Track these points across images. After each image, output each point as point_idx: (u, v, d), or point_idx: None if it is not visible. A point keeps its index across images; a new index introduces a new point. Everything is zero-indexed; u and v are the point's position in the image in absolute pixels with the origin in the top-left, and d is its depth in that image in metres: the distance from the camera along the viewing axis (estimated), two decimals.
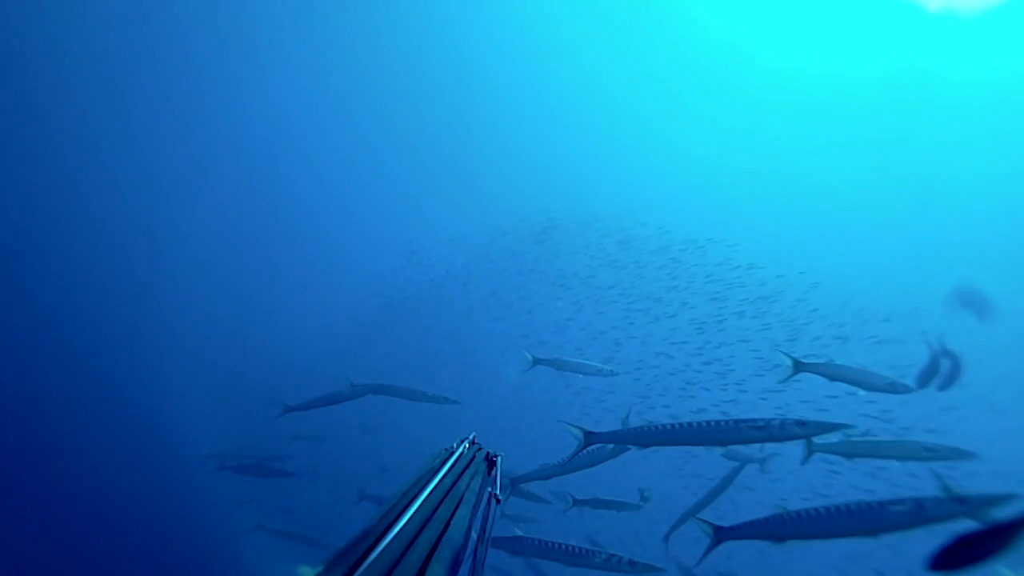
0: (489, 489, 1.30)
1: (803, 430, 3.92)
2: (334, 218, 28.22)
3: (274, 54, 25.42)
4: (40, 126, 21.12)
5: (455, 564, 0.85)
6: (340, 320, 19.93)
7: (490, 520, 1.22)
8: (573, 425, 4.38)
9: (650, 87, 27.40)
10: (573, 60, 27.10)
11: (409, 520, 0.87)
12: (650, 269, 15.47)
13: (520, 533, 4.76)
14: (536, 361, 7.93)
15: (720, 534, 3.88)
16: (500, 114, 28.73)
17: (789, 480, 11.09)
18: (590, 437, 4.34)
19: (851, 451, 5.07)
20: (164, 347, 18.49)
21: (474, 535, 1.07)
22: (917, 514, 3.25)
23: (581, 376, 9.09)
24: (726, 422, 4.07)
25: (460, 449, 1.35)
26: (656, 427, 4.20)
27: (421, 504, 0.94)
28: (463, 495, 1.06)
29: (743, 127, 26.89)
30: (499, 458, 1.46)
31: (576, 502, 7.26)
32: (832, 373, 5.77)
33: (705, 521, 3.93)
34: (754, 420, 4.01)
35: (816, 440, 4.62)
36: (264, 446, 11.94)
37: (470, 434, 1.50)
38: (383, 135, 29.00)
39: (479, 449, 1.46)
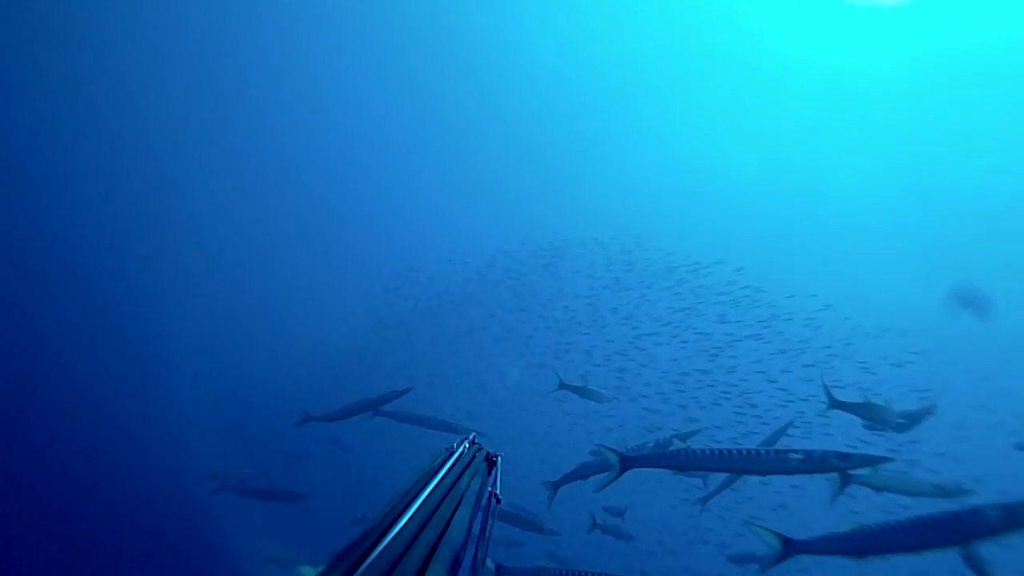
0: (489, 489, 1.31)
1: (844, 462, 3.93)
2: (330, 235, 28.35)
3: (272, 70, 25.85)
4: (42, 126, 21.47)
5: (455, 564, 0.85)
6: (335, 339, 19.91)
7: (490, 520, 1.23)
8: (609, 448, 4.41)
9: (650, 105, 27.82)
10: (571, 80, 27.58)
11: (409, 520, 0.88)
12: (655, 291, 15.52)
13: (546, 564, 4.76)
14: (562, 385, 8.11)
15: (790, 548, 3.72)
16: (500, 135, 29.11)
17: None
18: (626, 462, 4.33)
19: (863, 483, 5.09)
20: (157, 359, 18.49)
21: (474, 535, 1.07)
22: (1009, 519, 3.17)
23: (594, 403, 9.14)
24: (767, 451, 4.12)
25: (460, 449, 1.37)
26: (695, 452, 4.22)
27: (421, 504, 0.95)
28: (463, 495, 1.07)
29: (742, 145, 27.19)
30: (499, 458, 1.48)
31: (595, 525, 7.58)
32: (862, 413, 5.84)
33: (771, 531, 3.78)
34: (795, 450, 4.03)
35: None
36: (252, 462, 11.91)
37: (470, 434, 1.51)
38: (382, 154, 29.28)
39: (479, 449, 1.47)
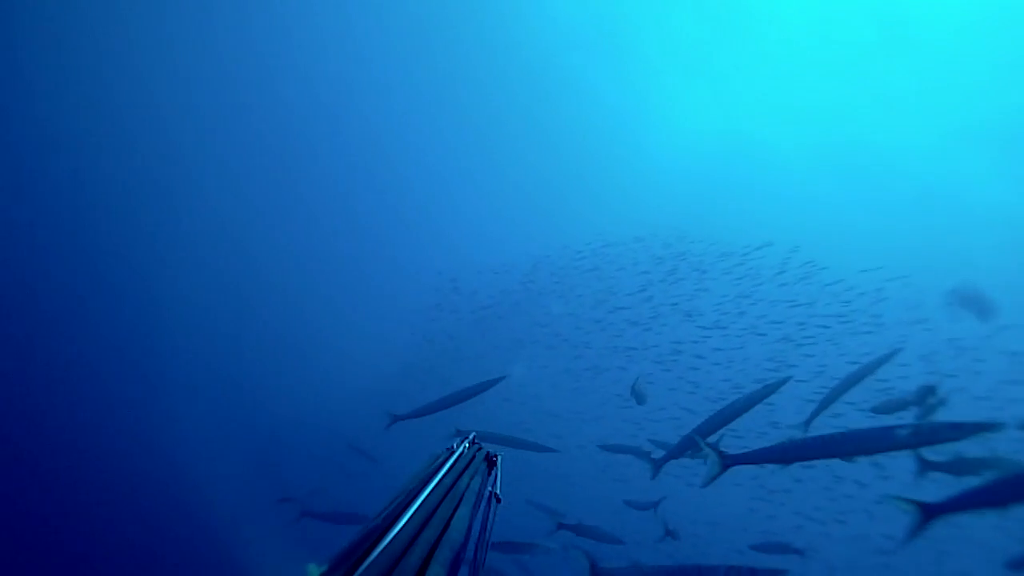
0: (490, 489, 1.33)
1: (957, 432, 3.82)
2: (367, 255, 28.74)
3: (307, 86, 26.37)
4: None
5: (455, 564, 0.88)
6: (381, 360, 20.25)
7: (490, 520, 1.25)
8: (710, 446, 4.50)
9: (668, 94, 27.09)
10: (593, 77, 27.28)
11: (409, 520, 0.91)
12: (711, 281, 15.00)
13: (635, 560, 4.96)
14: (632, 391, 8.25)
15: (930, 511, 3.78)
16: (524, 142, 29.03)
17: None
18: (728, 459, 4.43)
19: (955, 468, 4.83)
20: (193, 381, 19.24)
21: (474, 535, 1.09)
22: None
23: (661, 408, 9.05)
24: (875, 430, 4.05)
25: (460, 449, 1.40)
26: (799, 443, 4.20)
27: (421, 504, 0.98)
28: (463, 495, 1.10)
29: (767, 121, 25.99)
30: (499, 458, 1.50)
31: (668, 533, 8.03)
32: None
33: (909, 500, 3.85)
34: (903, 425, 3.98)
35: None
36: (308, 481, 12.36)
37: (470, 434, 1.54)
38: (411, 170, 29.42)
39: (479, 449, 1.50)
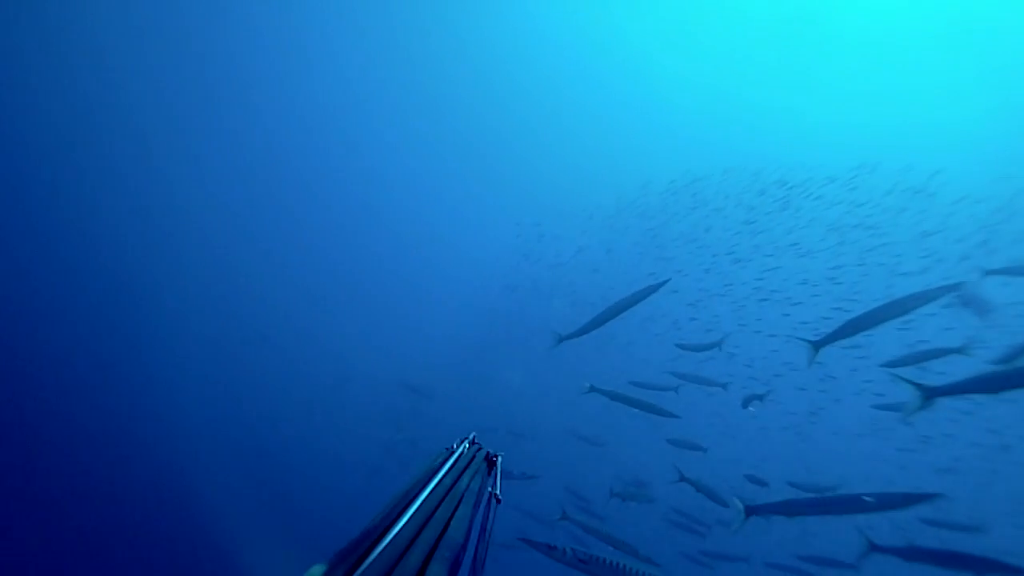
0: (489, 489, 1.35)
1: None
2: (451, 210, 29.25)
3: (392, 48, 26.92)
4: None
5: (455, 564, 0.89)
6: (466, 320, 20.86)
7: (490, 520, 1.25)
8: (908, 381, 4.43)
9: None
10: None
11: (409, 520, 0.94)
12: (818, 211, 13.44)
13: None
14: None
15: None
16: (600, 82, 27.45)
17: None
18: (930, 392, 4.35)
19: None
20: (286, 358, 20.67)
21: (474, 535, 1.10)
22: None
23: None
24: None
25: (460, 449, 1.41)
26: (1008, 371, 3.87)
27: (421, 504, 1.00)
28: (463, 495, 1.11)
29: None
30: (499, 458, 1.50)
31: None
32: None
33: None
34: None
35: None
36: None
37: (470, 434, 1.55)
38: (495, 118, 29.26)
39: (479, 449, 1.50)
